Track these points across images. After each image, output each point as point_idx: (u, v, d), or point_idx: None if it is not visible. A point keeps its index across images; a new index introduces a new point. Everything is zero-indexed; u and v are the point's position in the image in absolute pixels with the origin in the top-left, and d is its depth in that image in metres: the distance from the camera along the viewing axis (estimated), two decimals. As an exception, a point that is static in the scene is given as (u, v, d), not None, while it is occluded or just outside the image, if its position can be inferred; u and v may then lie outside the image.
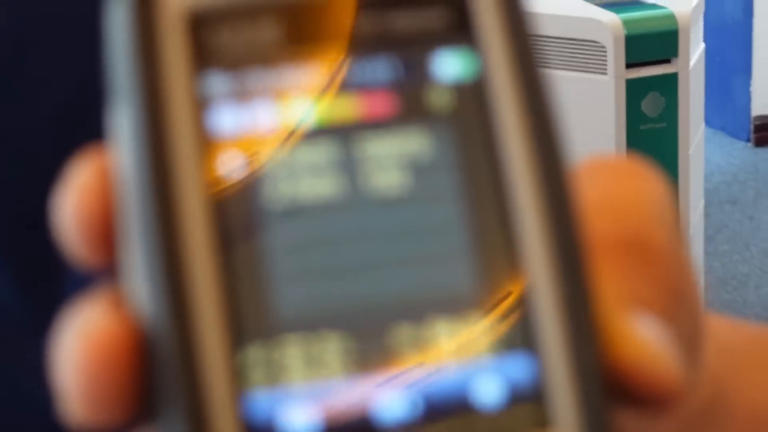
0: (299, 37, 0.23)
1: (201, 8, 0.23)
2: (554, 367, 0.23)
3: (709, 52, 4.44)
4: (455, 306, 0.23)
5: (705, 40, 4.45)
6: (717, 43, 4.49)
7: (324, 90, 0.23)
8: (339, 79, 0.23)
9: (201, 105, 0.23)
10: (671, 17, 2.88)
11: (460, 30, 0.25)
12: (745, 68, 4.45)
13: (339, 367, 0.22)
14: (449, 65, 0.25)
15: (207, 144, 0.23)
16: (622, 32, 2.80)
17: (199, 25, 0.23)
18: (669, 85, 2.90)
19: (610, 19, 2.81)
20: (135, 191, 0.23)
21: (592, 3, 2.95)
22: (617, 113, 2.84)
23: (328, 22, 0.23)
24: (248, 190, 0.23)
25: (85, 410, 0.23)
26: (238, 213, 0.22)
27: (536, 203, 0.24)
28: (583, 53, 2.85)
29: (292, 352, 0.22)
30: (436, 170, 0.24)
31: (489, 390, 0.23)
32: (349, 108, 0.23)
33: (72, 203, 0.25)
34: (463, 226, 0.24)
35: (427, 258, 0.23)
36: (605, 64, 2.82)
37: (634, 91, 2.85)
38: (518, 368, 0.23)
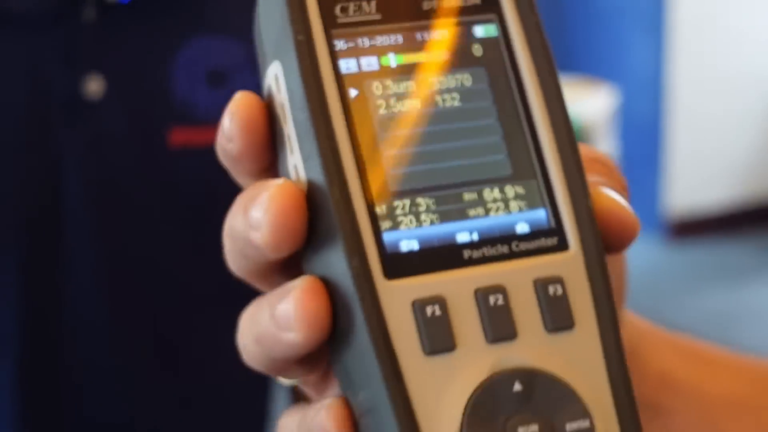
0: (389, 12, 0.37)
1: None
2: (563, 213, 0.37)
3: (624, 151, 4.53)
4: (499, 179, 0.37)
5: (620, 138, 4.54)
6: (632, 141, 4.58)
7: (411, 47, 0.37)
8: (420, 40, 0.37)
9: (335, 53, 0.37)
10: (578, 117, 2.94)
11: (490, 5, 0.39)
12: (659, 165, 4.56)
13: (433, 216, 0.36)
14: (482, 29, 0.39)
15: (339, 75, 0.36)
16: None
17: (326, 3, 0.37)
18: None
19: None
20: (299, 99, 0.36)
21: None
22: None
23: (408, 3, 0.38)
24: (369, 103, 0.36)
25: (275, 236, 0.36)
26: (362, 118, 0.36)
27: (546, 119, 0.38)
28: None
29: (405, 207, 0.36)
30: (480, 95, 0.38)
31: (522, 227, 0.37)
32: (426, 57, 0.37)
33: (240, 116, 0.39)
34: (501, 131, 0.38)
35: (480, 150, 0.37)
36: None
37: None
38: (540, 216, 0.37)
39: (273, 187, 0.36)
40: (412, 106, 0.37)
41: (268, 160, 0.40)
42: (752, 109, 4.60)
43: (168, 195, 1.02)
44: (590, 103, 3.01)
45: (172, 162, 1.00)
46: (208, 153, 0.98)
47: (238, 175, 0.41)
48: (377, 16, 0.37)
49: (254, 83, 0.98)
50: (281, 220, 0.36)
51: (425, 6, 0.37)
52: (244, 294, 1.05)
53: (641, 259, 4.38)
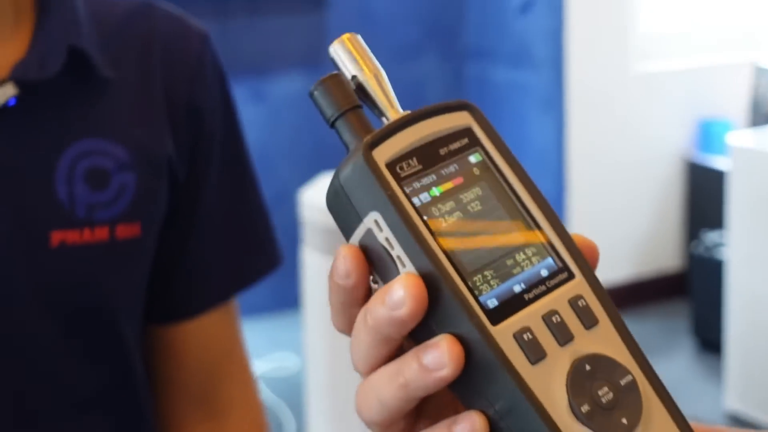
0: (424, 161, 0.57)
1: (390, 158, 0.56)
2: (564, 257, 0.57)
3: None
4: (519, 247, 0.57)
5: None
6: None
7: (442, 180, 0.57)
8: (445, 174, 0.58)
9: (408, 195, 0.56)
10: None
11: (473, 142, 0.59)
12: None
13: (496, 281, 0.56)
14: (474, 157, 0.59)
15: (416, 208, 0.56)
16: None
17: (391, 165, 0.56)
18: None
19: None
20: (401, 230, 0.55)
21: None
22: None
23: (438, 149, 0.58)
24: (436, 221, 0.56)
25: (414, 306, 0.53)
26: (437, 231, 0.55)
27: (535, 205, 0.58)
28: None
29: (481, 279, 0.55)
30: (489, 198, 0.58)
31: (544, 272, 0.57)
32: (453, 184, 0.57)
33: (350, 258, 0.55)
34: (509, 217, 0.58)
35: (503, 231, 0.57)
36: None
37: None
38: (551, 263, 0.57)
39: (404, 276, 0.54)
40: (458, 217, 0.57)
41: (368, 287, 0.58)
42: (646, 188, 4.73)
43: (48, 294, 1.03)
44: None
45: (53, 261, 1.03)
46: (87, 252, 1.05)
47: (350, 302, 0.57)
48: (419, 167, 0.57)
49: (133, 183, 1.05)
50: (417, 292, 0.53)
51: (441, 152, 0.58)
52: (123, 398, 1.10)
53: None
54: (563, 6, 4.47)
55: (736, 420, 3.67)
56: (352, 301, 0.56)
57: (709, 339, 4.17)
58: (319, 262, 3.02)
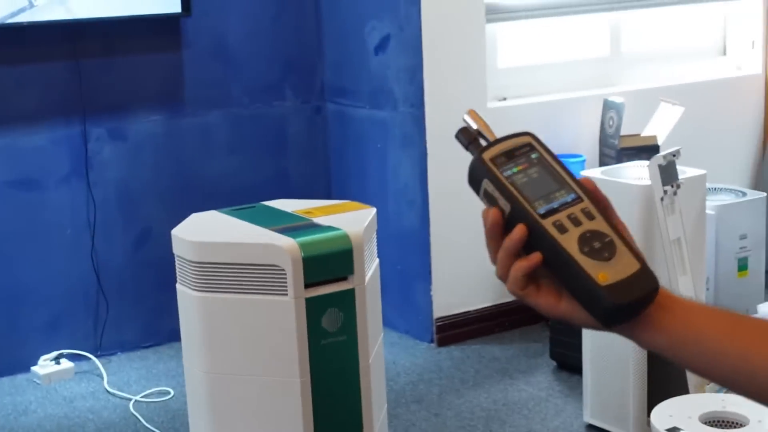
0: (510, 156, 1.20)
1: (492, 156, 1.20)
2: (579, 192, 1.19)
3: (390, 262, 4.73)
4: (556, 189, 1.18)
5: (388, 251, 4.73)
6: (397, 253, 4.78)
7: (516, 164, 1.20)
8: (518, 163, 1.21)
9: (502, 172, 1.19)
10: (345, 237, 3.08)
11: (532, 148, 1.23)
12: (424, 274, 4.75)
13: (545, 201, 1.18)
14: (534, 154, 1.23)
15: (502, 174, 1.19)
16: (299, 254, 2.98)
17: (493, 160, 1.19)
18: (347, 301, 3.08)
19: (288, 242, 2.99)
20: (513, 202, 1.17)
21: (269, 229, 3.12)
22: (298, 331, 3.00)
23: (514, 152, 1.22)
24: (515, 180, 1.19)
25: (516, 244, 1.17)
26: (515, 183, 1.19)
27: (564, 172, 1.19)
28: (264, 277, 3.01)
29: (537, 202, 1.17)
30: (541, 173, 1.20)
31: (569, 199, 1.18)
32: (521, 167, 1.20)
33: (488, 226, 1.17)
34: (552, 179, 1.19)
35: (547, 184, 1.18)
36: (285, 286, 2.99)
37: (314, 308, 3.02)
38: (573, 195, 1.17)
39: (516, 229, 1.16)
40: (525, 179, 1.18)
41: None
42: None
43: None
44: (355, 222, 3.19)
45: None
46: None
47: (492, 236, 1.18)
48: (505, 159, 1.20)
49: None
50: (518, 233, 1.16)
51: (516, 153, 1.20)
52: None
53: (411, 363, 4.58)
54: (419, 44, 4.58)
55: (598, 441, 3.83)
56: (494, 235, 1.17)
57: (566, 360, 4.34)
58: (192, 296, 3.08)
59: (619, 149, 4.61)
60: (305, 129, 5.09)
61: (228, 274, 3.02)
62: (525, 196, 1.16)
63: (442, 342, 4.74)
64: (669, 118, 4.69)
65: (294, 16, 5.00)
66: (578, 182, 1.18)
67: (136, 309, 4.77)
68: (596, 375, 3.80)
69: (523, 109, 4.86)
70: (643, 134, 4.69)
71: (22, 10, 4.35)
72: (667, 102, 4.74)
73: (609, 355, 3.73)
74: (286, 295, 2.99)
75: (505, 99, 4.91)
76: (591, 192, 1.17)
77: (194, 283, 3.06)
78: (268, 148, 5.02)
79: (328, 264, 3.05)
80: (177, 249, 3.13)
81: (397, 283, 4.81)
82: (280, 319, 3.00)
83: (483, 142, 1.23)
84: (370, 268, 3.20)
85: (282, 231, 3.09)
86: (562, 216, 1.15)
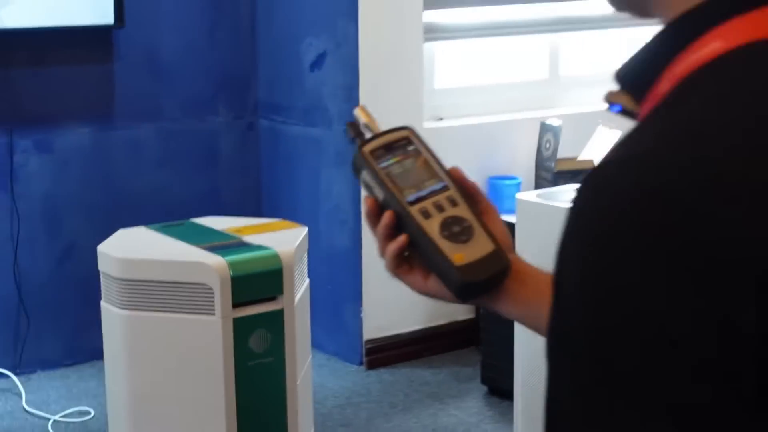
0: (388, 148, 1.32)
1: (372, 149, 1.32)
2: (449, 185, 1.32)
3: (320, 282, 4.67)
4: (427, 178, 1.31)
5: (318, 271, 4.66)
6: (328, 272, 4.72)
7: (394, 155, 1.32)
8: (395, 154, 1.33)
9: (379, 163, 1.30)
10: (275, 257, 3.03)
11: (410, 142, 1.34)
12: (354, 295, 4.68)
13: (415, 188, 1.30)
14: (411, 147, 1.34)
15: (378, 165, 1.30)
16: (228, 273, 2.92)
17: (373, 152, 1.31)
18: (275, 322, 3.03)
19: (216, 261, 2.93)
20: (384, 191, 1.29)
21: (198, 246, 3.05)
22: (225, 351, 2.93)
23: (393, 145, 1.33)
24: (390, 169, 1.31)
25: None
26: (390, 173, 1.30)
27: (435, 162, 1.33)
28: (191, 295, 2.94)
29: (407, 189, 1.28)
30: (416, 162, 1.32)
31: (437, 187, 1.31)
32: (398, 158, 1.32)
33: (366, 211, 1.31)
34: (425, 169, 1.31)
35: (419, 173, 1.31)
36: (212, 305, 2.92)
37: (242, 329, 2.96)
38: (442, 184, 1.31)
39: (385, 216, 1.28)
40: (400, 169, 1.29)
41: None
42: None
43: None
44: (286, 241, 3.13)
45: None
46: None
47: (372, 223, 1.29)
48: (384, 152, 1.30)
49: None
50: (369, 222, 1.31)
51: (394, 146, 1.31)
52: None
53: (340, 385, 4.52)
54: (356, 62, 4.54)
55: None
56: (370, 220, 1.30)
57: (497, 385, 4.29)
58: (117, 314, 3.00)
59: (555, 172, 4.58)
60: (237, 145, 5.01)
61: (154, 292, 2.95)
62: (397, 185, 1.28)
63: (372, 365, 4.67)
64: (606, 141, 4.67)
65: (229, 31, 4.93)
66: (448, 172, 1.31)
67: (57, 326, 4.64)
68: (527, 400, 3.76)
69: (460, 129, 4.83)
70: (579, 158, 4.67)
71: (-52, 17, 4.24)
72: (605, 126, 4.73)
73: (540, 381, 3.68)
74: (214, 314, 2.92)
75: (441, 119, 4.88)
76: (458, 180, 1.30)
77: (119, 301, 2.98)
78: (199, 163, 4.93)
79: (257, 283, 3.00)
80: (102, 265, 3.06)
81: (326, 304, 4.74)
82: (207, 339, 2.94)
83: (368, 136, 1.33)
84: (300, 288, 3.14)
85: (211, 249, 3.02)
86: (428, 203, 1.28)
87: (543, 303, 1.20)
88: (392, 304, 4.70)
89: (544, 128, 4.76)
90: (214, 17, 4.88)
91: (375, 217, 1.29)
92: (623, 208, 0.72)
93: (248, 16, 4.95)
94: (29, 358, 4.59)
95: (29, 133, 4.52)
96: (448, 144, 4.73)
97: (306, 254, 3.26)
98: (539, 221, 3.70)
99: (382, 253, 1.30)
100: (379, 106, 4.52)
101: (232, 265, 2.94)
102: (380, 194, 1.29)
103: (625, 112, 1.13)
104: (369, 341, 4.68)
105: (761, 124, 0.74)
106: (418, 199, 1.28)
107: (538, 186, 4.65)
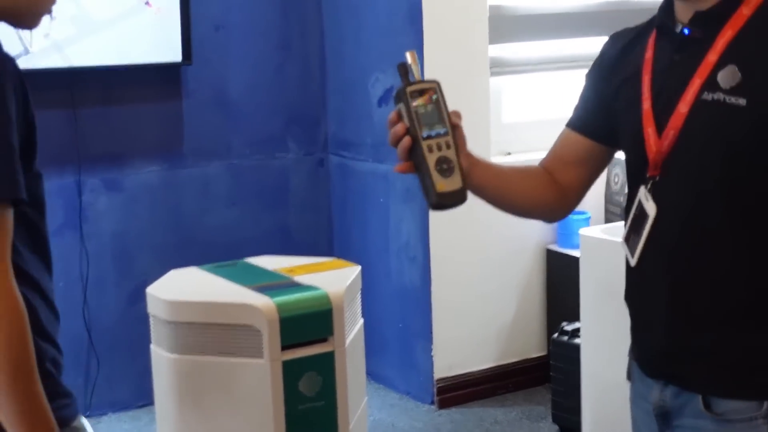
0: (418, 95, 1.88)
1: (411, 90, 1.87)
2: (448, 128, 1.88)
3: (392, 320, 4.60)
4: (438, 122, 1.87)
5: (388, 309, 4.59)
6: (399, 310, 4.65)
7: (421, 98, 1.89)
8: (423, 97, 1.89)
9: (412, 101, 1.86)
10: (325, 298, 2.96)
11: (435, 90, 1.91)
12: (425, 333, 4.60)
13: (429, 127, 1.86)
14: (436, 94, 1.90)
15: (414, 106, 1.86)
16: (276, 315, 2.86)
17: (410, 93, 1.86)
18: (326, 364, 2.95)
19: (264, 302, 2.87)
20: (411, 123, 1.85)
21: (247, 287, 3.00)
22: (274, 395, 2.87)
23: (423, 89, 1.90)
24: (416, 108, 1.87)
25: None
26: (417, 109, 1.88)
27: (446, 111, 1.88)
28: (239, 338, 2.88)
29: (425, 126, 1.84)
30: (436, 106, 1.88)
31: (442, 131, 1.87)
32: (423, 100, 1.87)
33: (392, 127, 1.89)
34: (438, 113, 1.86)
35: (435, 116, 1.87)
36: (261, 347, 2.86)
37: (291, 372, 2.89)
38: (446, 129, 1.85)
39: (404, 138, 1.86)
40: (423, 109, 1.84)
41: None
42: (509, 278, 4.75)
43: None
44: (337, 281, 3.07)
45: None
46: None
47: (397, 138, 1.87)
48: (418, 95, 1.85)
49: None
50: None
51: (425, 91, 1.85)
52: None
53: (411, 425, 4.43)
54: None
55: None
56: (395, 137, 1.85)
57: (568, 424, 4.18)
58: (166, 357, 2.96)
59: (624, 207, 4.47)
60: (307, 182, 4.97)
61: (202, 335, 2.90)
62: (419, 123, 1.83)
63: (443, 404, 4.58)
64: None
65: (298, 67, 4.90)
66: (451, 121, 1.85)
67: (128, 367, 4.61)
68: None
69: (528, 164, 4.71)
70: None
71: (17, 56, 4.26)
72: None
73: (610, 420, 3.58)
74: (262, 357, 2.86)
75: (509, 153, 4.79)
76: (454, 127, 1.85)
77: (168, 344, 2.93)
78: (269, 200, 4.90)
79: (307, 325, 2.93)
80: (151, 307, 3.02)
81: (397, 342, 4.67)
82: (256, 383, 2.88)
83: (411, 77, 1.86)
84: (352, 329, 3.07)
85: (260, 290, 2.97)
86: (433, 141, 1.82)
87: (484, 183, 2.00)
88: (463, 342, 4.62)
89: (613, 162, 4.64)
90: (282, 53, 4.85)
91: (400, 136, 1.83)
92: None
93: (316, 52, 4.92)
94: (99, 401, 4.58)
95: (98, 172, 4.52)
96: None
97: (359, 294, 3.19)
98: (601, 256, 3.60)
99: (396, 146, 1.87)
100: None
101: (280, 306, 2.88)
102: (407, 122, 1.83)
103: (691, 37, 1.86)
104: (440, 380, 4.59)
105: None
106: (429, 137, 1.82)
107: (607, 220, 4.54)
